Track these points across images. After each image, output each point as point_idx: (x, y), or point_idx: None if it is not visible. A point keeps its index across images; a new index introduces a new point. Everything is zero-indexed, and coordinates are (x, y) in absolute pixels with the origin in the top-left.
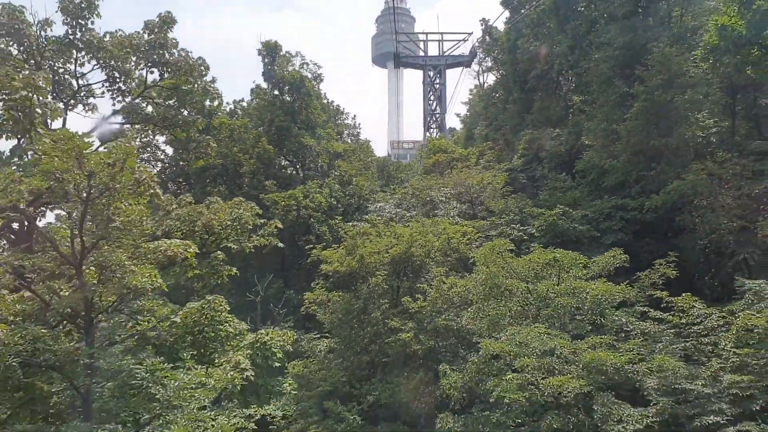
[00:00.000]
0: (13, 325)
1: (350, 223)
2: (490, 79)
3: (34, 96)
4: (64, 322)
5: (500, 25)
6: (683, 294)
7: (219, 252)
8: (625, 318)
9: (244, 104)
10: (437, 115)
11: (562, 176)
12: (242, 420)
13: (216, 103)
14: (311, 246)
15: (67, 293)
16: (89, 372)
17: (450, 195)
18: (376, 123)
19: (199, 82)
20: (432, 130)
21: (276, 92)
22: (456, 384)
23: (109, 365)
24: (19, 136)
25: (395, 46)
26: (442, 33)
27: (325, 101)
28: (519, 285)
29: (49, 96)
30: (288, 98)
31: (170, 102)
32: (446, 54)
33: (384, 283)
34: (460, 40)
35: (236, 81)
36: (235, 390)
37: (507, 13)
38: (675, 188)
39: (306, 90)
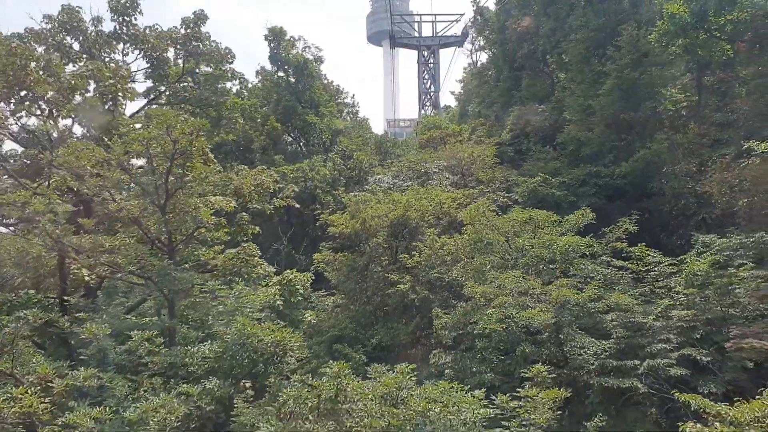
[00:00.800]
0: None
1: (352, 193)
2: (483, 57)
3: (119, 83)
4: (155, 248)
5: (491, 5)
6: (639, 245)
7: (244, 213)
8: (590, 266)
9: (250, 86)
10: (431, 93)
11: (546, 149)
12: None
13: (238, 86)
14: (319, 212)
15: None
16: (173, 283)
17: (443, 167)
18: (371, 101)
19: (227, 68)
20: (427, 107)
21: (281, 74)
22: (446, 325)
23: (185, 279)
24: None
25: (391, 28)
26: (435, 14)
27: (326, 81)
28: (500, 239)
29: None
30: (292, 80)
31: (205, 85)
32: (439, 35)
33: (384, 243)
34: (452, 21)
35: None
36: (274, 307)
37: None
38: (641, 156)
39: (309, 72)
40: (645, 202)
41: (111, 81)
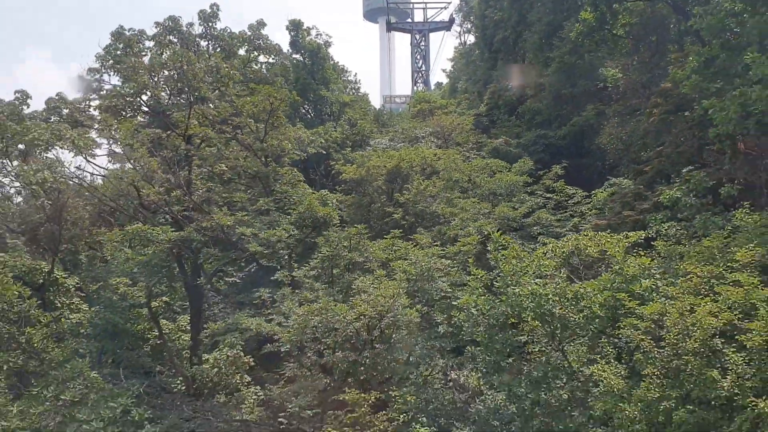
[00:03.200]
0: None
1: (357, 152)
2: (471, 38)
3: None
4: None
5: None
6: (560, 181)
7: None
8: (527, 197)
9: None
10: (422, 72)
11: (511, 118)
12: None
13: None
14: (333, 163)
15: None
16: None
17: (429, 133)
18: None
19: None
20: (418, 84)
21: (299, 57)
22: (426, 235)
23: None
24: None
25: (387, 15)
26: (425, 2)
27: (333, 62)
28: (464, 177)
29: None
30: (308, 62)
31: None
32: (430, 20)
33: (382, 186)
34: (441, 7)
35: None
36: None
37: None
38: (575, 122)
39: (321, 55)
40: (581, 158)
41: (226, 69)
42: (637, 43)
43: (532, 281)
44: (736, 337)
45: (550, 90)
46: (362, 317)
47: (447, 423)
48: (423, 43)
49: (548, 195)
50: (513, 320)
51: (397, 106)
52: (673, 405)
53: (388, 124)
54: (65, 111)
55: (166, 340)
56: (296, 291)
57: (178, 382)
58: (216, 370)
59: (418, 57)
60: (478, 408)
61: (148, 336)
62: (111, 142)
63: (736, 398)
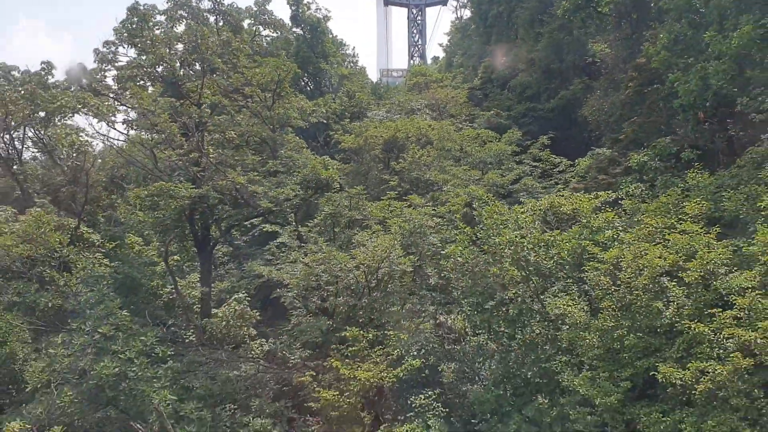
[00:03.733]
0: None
1: (355, 123)
2: (467, 13)
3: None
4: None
5: None
6: (546, 150)
7: (289, 128)
8: (515, 165)
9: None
10: (419, 46)
11: (504, 92)
12: None
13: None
14: (333, 133)
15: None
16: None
17: (424, 105)
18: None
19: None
20: (415, 58)
21: (299, 31)
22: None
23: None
24: None
25: None
26: None
27: (332, 36)
28: (456, 147)
29: None
30: (308, 36)
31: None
32: None
33: (379, 154)
34: None
35: None
36: None
37: None
38: (562, 96)
39: (321, 29)
40: (568, 129)
41: (237, 43)
42: (619, 20)
43: (511, 232)
44: (679, 275)
45: (540, 65)
46: (361, 266)
47: (436, 360)
48: (420, 18)
49: (535, 163)
50: (495, 270)
51: (394, 80)
52: (625, 332)
53: (385, 96)
54: (84, 81)
55: (180, 294)
56: (302, 245)
57: (190, 333)
58: (225, 323)
59: (415, 31)
60: (464, 347)
61: (161, 292)
62: (130, 109)
63: (676, 325)
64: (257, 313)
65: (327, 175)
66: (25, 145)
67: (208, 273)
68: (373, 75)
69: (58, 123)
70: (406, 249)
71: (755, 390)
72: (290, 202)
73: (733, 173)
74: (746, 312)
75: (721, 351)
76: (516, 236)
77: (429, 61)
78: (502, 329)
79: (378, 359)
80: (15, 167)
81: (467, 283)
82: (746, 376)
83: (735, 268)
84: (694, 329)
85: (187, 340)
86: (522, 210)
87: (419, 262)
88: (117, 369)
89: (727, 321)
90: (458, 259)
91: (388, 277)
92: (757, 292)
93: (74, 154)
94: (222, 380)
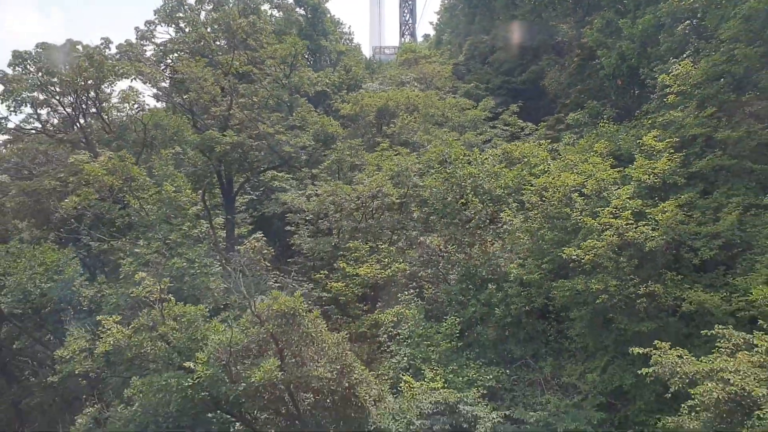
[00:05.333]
0: None
1: (352, 94)
2: None
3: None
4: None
5: None
6: (514, 116)
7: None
8: (488, 128)
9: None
10: (410, 25)
11: (484, 67)
12: None
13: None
14: (332, 102)
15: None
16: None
17: (413, 79)
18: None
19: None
20: (406, 36)
21: (302, 11)
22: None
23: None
24: None
25: None
26: None
27: (330, 15)
28: (437, 112)
29: None
30: (309, 15)
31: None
32: None
33: (373, 120)
34: None
35: None
36: None
37: None
38: (532, 70)
39: (321, 9)
40: (536, 100)
41: (261, 24)
42: (575, 6)
43: (471, 167)
44: (582, 190)
45: (516, 42)
46: (360, 197)
47: (419, 269)
48: None
49: (505, 127)
50: (462, 201)
51: (387, 57)
52: (546, 231)
53: (378, 71)
54: (130, 53)
55: (213, 228)
56: (315, 183)
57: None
58: (246, 258)
59: (406, 11)
60: (437, 258)
61: (191, 233)
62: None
63: (579, 224)
64: (272, 250)
65: (332, 130)
66: (87, 105)
67: (231, 216)
68: (366, 52)
69: (107, 89)
70: (395, 185)
71: (621, 258)
72: (305, 150)
73: (632, 123)
74: (619, 209)
75: (603, 235)
76: (474, 170)
77: (420, 39)
78: (466, 239)
79: (374, 262)
80: (82, 122)
81: (439, 206)
82: (615, 248)
83: (620, 185)
84: (588, 224)
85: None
86: (484, 156)
87: (405, 199)
88: (184, 264)
89: (606, 216)
90: (433, 189)
91: (381, 208)
92: (628, 197)
93: (131, 113)
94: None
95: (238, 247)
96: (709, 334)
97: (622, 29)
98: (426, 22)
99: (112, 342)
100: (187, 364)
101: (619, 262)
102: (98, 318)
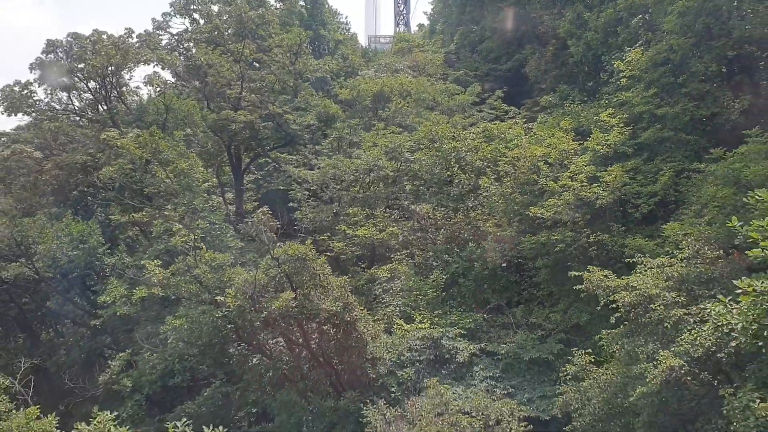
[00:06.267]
0: None
1: (349, 80)
2: None
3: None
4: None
5: None
6: (499, 100)
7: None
8: (475, 112)
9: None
10: (404, 15)
11: (474, 55)
12: None
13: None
14: (330, 88)
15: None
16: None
17: (407, 66)
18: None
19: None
20: (400, 26)
21: (303, 2)
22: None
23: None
24: None
25: None
26: None
27: (328, 5)
28: (428, 97)
29: None
30: (309, 6)
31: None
32: None
33: (369, 104)
34: None
35: None
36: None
37: None
38: (517, 58)
39: (320, 1)
40: (520, 86)
41: (270, 16)
42: None
43: (455, 142)
44: (548, 160)
45: (501, 33)
46: (358, 169)
47: (410, 234)
48: None
49: (491, 111)
50: (448, 174)
51: (382, 46)
52: (518, 195)
53: (374, 59)
54: (148, 42)
55: (225, 201)
56: (318, 157)
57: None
58: (254, 228)
59: (400, 1)
60: (429, 226)
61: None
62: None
63: (544, 187)
64: (279, 224)
65: (333, 111)
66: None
67: (240, 192)
68: (363, 41)
69: (127, 74)
70: (390, 159)
71: (576, 214)
72: (309, 128)
73: (594, 104)
74: (576, 174)
75: (562, 196)
76: (458, 144)
77: (415, 28)
78: (451, 206)
79: (370, 224)
80: (108, 104)
81: (428, 177)
82: (572, 206)
83: (579, 155)
84: (551, 187)
85: None
86: (466, 133)
87: (398, 173)
88: (207, 225)
89: (566, 179)
90: (422, 162)
91: (376, 180)
92: (584, 164)
93: (153, 95)
94: None
95: (246, 219)
96: (631, 262)
97: (589, 22)
98: (420, 12)
99: (155, 281)
100: (218, 298)
101: (575, 217)
102: (142, 262)
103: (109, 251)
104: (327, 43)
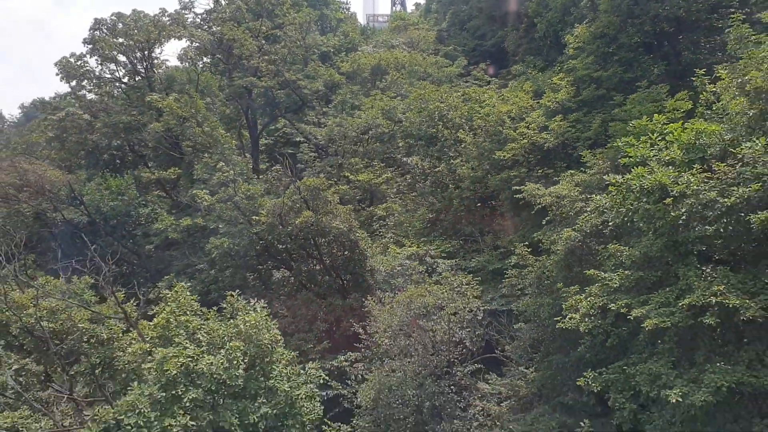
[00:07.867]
0: None
1: (350, 55)
2: None
3: None
4: None
5: None
6: (482, 72)
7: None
8: (461, 82)
9: None
10: None
11: (463, 33)
12: None
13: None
14: (334, 61)
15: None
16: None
17: (402, 43)
18: None
19: None
20: (396, 5)
21: None
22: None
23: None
24: None
25: None
26: None
27: None
28: (420, 70)
29: None
30: None
31: None
32: None
33: (368, 76)
34: None
35: None
36: None
37: None
38: (499, 35)
39: None
40: (503, 60)
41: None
42: None
43: (438, 103)
44: (510, 114)
45: (486, 12)
46: (359, 128)
47: (402, 181)
48: None
49: (475, 82)
50: (434, 131)
51: (380, 24)
52: (487, 143)
53: (372, 37)
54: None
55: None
56: (325, 117)
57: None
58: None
59: None
60: (417, 174)
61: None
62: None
63: (506, 136)
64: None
65: (338, 79)
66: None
67: (256, 153)
68: (362, 19)
69: (158, 49)
70: (386, 119)
71: (530, 156)
72: (317, 94)
73: (551, 70)
74: (530, 124)
75: (520, 141)
76: (441, 104)
77: (411, 8)
78: (435, 155)
79: (366, 176)
80: (147, 73)
81: (417, 132)
82: (527, 149)
83: (535, 110)
84: (511, 135)
85: None
86: (448, 95)
87: (392, 132)
88: (238, 170)
89: (522, 128)
90: (412, 120)
91: (374, 137)
92: (537, 117)
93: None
94: None
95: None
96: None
97: (550, 3)
98: None
99: (206, 204)
100: (254, 217)
101: (528, 158)
102: (193, 192)
103: (143, 203)
104: (329, 21)
